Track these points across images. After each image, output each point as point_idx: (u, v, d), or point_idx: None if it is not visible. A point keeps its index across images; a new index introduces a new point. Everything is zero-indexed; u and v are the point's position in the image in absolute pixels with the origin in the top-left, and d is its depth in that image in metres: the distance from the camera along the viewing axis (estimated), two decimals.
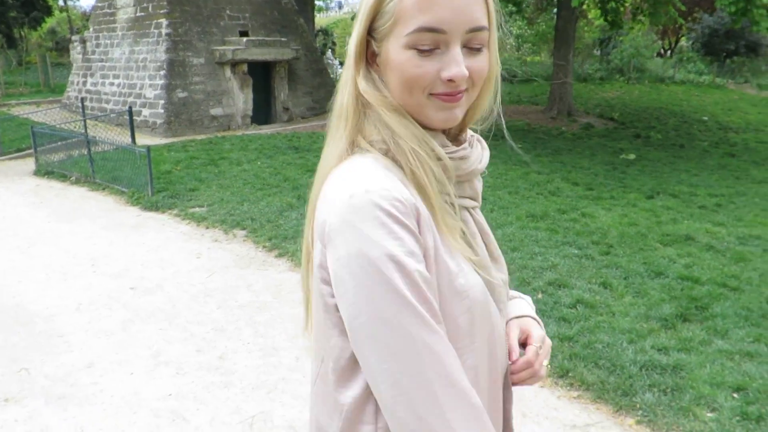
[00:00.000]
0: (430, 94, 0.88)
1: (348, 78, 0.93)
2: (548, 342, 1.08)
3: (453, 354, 0.82)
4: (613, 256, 5.42)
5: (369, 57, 0.93)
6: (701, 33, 27.09)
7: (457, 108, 0.90)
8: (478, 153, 0.99)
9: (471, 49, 0.87)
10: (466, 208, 0.98)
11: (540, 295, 4.46)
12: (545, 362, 1.05)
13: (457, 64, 0.85)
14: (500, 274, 1.02)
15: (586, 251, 5.50)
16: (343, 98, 0.94)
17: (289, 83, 15.51)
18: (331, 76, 20.00)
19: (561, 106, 15.59)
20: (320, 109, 16.55)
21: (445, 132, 0.96)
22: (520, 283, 4.66)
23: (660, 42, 30.97)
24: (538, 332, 1.07)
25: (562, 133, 13.50)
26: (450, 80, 0.85)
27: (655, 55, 27.58)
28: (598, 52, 27.37)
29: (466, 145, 0.97)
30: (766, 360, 3.53)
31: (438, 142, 0.92)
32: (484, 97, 0.96)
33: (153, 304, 4.54)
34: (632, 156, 11.12)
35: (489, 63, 0.91)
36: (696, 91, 22.18)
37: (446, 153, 0.91)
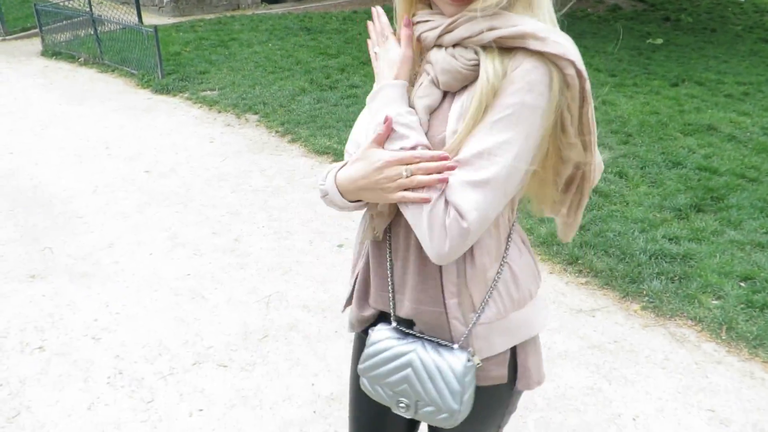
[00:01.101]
0: None
1: None
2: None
3: None
4: (632, 145, 5.31)
5: None
6: None
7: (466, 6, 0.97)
8: (436, 22, 1.02)
9: None
10: (426, 72, 1.04)
11: None
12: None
13: None
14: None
15: (603, 140, 5.39)
16: None
17: None
18: None
19: None
20: None
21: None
22: None
23: None
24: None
25: (587, 15, 12.83)
26: None
27: None
28: None
29: (426, 13, 1.04)
30: None
31: (425, 13, 1.05)
32: None
33: (168, 188, 4.58)
34: (659, 41, 10.60)
35: None
36: None
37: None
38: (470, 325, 1.08)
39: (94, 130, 5.88)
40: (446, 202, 0.95)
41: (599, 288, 3.26)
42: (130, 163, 5.06)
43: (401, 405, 1.12)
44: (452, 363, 1.05)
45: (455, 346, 1.08)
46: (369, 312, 1.21)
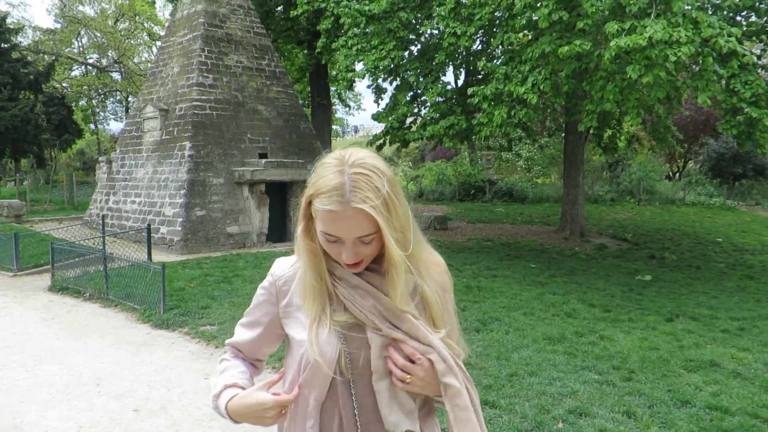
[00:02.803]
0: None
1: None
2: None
3: (242, 339, 1.59)
4: (636, 382, 5.20)
5: (306, 217, 1.41)
6: (708, 157, 27.79)
7: (359, 268, 1.37)
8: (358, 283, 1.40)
9: (363, 242, 1.32)
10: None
11: (561, 425, 4.23)
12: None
13: (348, 256, 1.33)
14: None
15: (606, 377, 5.29)
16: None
17: None
18: None
19: (573, 226, 15.72)
20: None
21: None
22: (539, 411, 4.44)
23: (668, 165, 31.75)
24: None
25: (575, 254, 13.50)
26: (345, 261, 1.34)
27: (664, 177, 28.16)
28: (608, 175, 28.03)
29: (347, 276, 1.41)
30: None
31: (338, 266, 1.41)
32: (389, 251, 1.35)
33: (156, 428, 4.36)
34: (648, 277, 11.01)
35: (384, 243, 1.33)
36: (708, 212, 22.37)
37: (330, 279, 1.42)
38: None
39: (88, 365, 5.79)
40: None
41: None
42: (120, 401, 4.88)
43: None
44: None
45: None
46: None
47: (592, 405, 4.63)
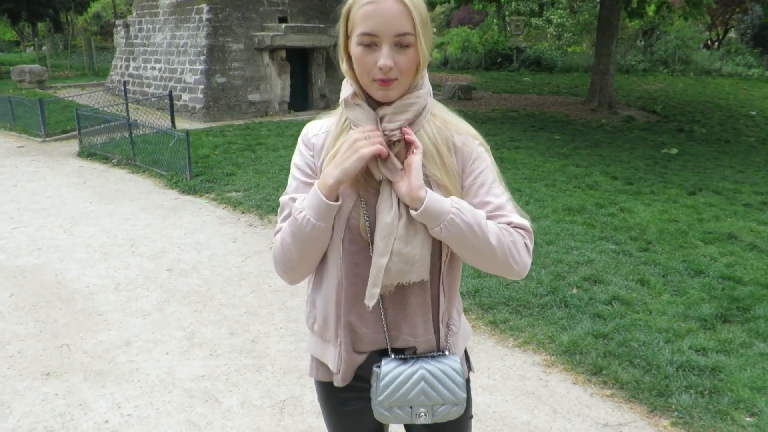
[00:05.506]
0: (373, 80, 1.27)
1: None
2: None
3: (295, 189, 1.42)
4: (652, 252, 5.30)
5: (347, 51, 1.33)
6: (751, 24, 26.13)
7: (391, 90, 1.28)
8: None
9: (400, 47, 1.25)
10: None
11: (575, 290, 4.39)
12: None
13: (385, 58, 1.24)
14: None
15: (623, 247, 5.39)
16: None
17: (327, 70, 15.52)
18: None
19: (602, 97, 15.26)
20: None
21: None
22: (554, 277, 4.60)
23: (707, 33, 29.99)
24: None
25: (601, 126, 13.22)
26: (380, 67, 1.24)
27: (701, 46, 26.72)
28: (642, 43, 26.67)
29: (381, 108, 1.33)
30: None
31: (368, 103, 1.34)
32: (415, 78, 1.31)
33: (188, 286, 4.62)
34: (674, 150, 10.83)
35: (417, 56, 1.27)
36: (744, 84, 21.45)
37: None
38: (450, 337, 1.44)
39: (121, 227, 6.04)
40: (514, 228, 1.32)
41: (625, 401, 3.14)
42: (153, 261, 5.14)
43: (420, 415, 1.37)
44: (451, 364, 1.38)
45: (446, 353, 1.41)
46: (362, 358, 1.42)
47: (606, 273, 4.76)
